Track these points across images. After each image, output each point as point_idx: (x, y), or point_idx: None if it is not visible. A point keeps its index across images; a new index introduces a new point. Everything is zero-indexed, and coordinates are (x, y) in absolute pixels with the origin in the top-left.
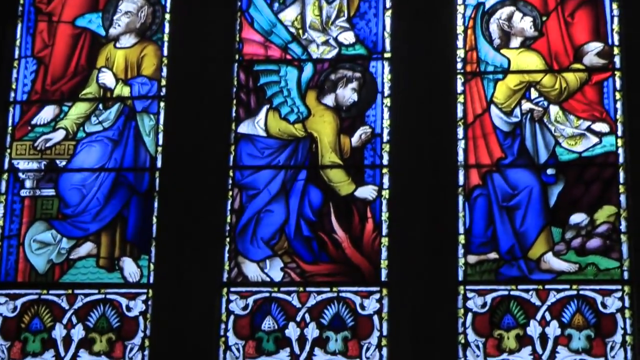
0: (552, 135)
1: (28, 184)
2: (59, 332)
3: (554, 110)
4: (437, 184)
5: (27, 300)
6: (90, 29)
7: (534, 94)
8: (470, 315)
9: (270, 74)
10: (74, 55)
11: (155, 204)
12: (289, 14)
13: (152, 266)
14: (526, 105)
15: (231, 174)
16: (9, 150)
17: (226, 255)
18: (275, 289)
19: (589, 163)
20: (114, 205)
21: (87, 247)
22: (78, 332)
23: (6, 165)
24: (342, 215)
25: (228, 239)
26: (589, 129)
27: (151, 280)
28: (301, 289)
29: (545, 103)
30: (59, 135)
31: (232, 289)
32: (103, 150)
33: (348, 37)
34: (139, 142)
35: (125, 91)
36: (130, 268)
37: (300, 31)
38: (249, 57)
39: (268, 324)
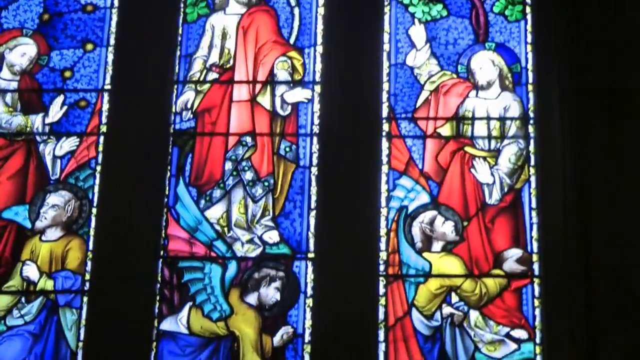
0: (471, 340)
1: None
2: None
3: (474, 315)
4: None
5: None
6: (16, 222)
7: (454, 298)
8: None
9: (195, 270)
10: None
11: None
12: (215, 212)
13: None
14: (447, 310)
15: None
16: None
17: None
18: None
19: None
20: None
21: None
22: None
23: None
24: None
25: None
26: (508, 335)
27: None
28: None
29: (466, 308)
30: None
31: None
32: (23, 344)
33: (272, 236)
34: (61, 336)
35: (49, 285)
36: None
37: (226, 229)
38: (173, 254)
39: None
